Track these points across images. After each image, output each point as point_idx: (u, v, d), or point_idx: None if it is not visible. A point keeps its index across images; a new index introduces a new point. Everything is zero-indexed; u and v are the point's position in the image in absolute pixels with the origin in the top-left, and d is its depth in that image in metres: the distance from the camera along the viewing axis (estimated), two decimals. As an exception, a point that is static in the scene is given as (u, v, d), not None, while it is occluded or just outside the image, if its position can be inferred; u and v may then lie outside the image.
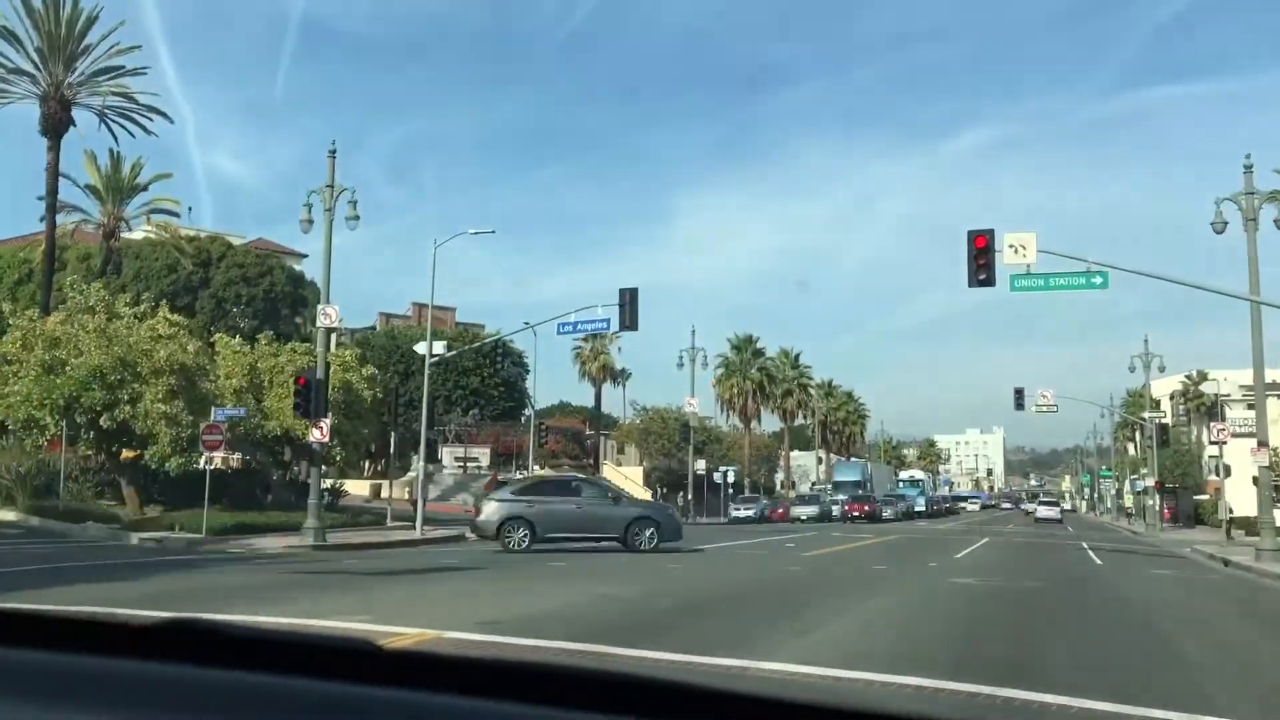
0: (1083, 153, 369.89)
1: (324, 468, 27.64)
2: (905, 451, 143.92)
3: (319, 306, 26.12)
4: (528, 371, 59.98)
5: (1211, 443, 31.69)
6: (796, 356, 79.84)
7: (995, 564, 23.60)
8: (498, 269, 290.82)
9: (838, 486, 73.92)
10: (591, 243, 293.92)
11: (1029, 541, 37.24)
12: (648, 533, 23.42)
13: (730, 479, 63.21)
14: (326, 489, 29.18)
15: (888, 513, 65.79)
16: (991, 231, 23.53)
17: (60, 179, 37.86)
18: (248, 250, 51.80)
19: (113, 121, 38.59)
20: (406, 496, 42.60)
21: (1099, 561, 26.28)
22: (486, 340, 51.28)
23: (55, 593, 12.36)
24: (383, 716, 1.22)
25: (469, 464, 54.82)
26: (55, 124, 36.49)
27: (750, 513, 56.03)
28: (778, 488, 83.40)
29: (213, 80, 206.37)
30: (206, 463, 25.17)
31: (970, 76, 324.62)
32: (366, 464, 50.70)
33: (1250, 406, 34.32)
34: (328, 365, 25.98)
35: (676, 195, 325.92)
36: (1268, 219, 26.43)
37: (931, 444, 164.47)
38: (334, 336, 29.90)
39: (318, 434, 24.84)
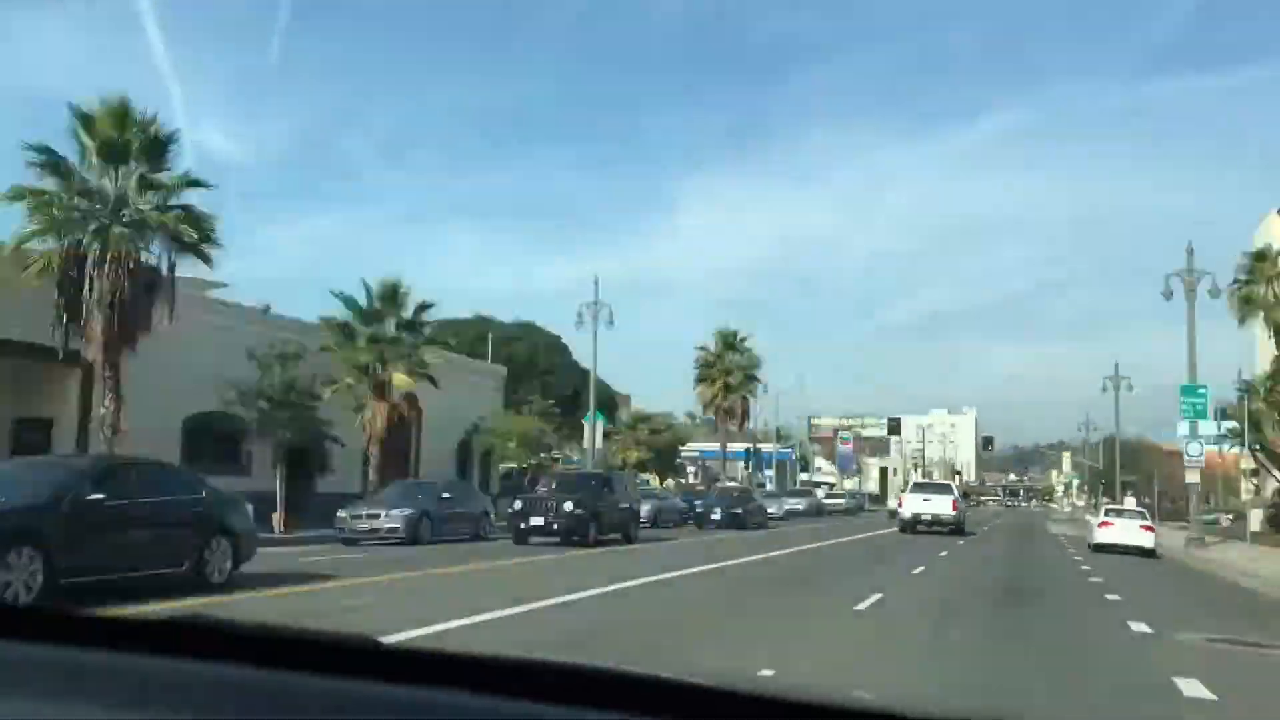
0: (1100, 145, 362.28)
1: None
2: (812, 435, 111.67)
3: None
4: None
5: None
6: (742, 339, 60.04)
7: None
8: (490, 255, 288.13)
9: None
10: (590, 228, 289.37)
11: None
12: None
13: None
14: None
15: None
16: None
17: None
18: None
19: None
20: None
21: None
22: None
23: None
24: (383, 712, 1.22)
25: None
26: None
27: None
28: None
29: (205, 47, 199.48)
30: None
31: (985, 62, 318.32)
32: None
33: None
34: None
35: (678, 181, 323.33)
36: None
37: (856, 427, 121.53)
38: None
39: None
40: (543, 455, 43.21)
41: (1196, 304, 34.44)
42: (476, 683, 1.24)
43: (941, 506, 39.81)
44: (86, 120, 22.78)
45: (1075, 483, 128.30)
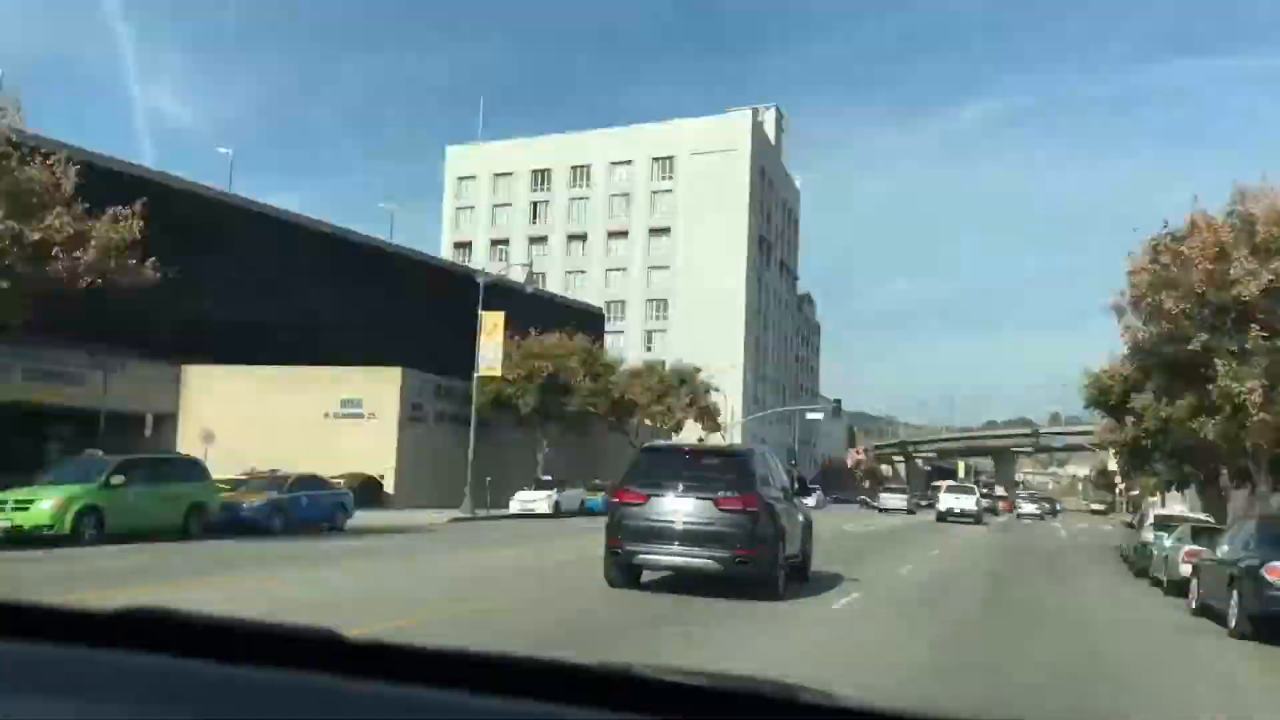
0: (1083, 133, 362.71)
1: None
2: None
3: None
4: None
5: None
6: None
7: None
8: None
9: None
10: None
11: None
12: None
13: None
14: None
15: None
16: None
17: None
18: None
19: None
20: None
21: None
22: None
23: None
24: (346, 706, 1.20)
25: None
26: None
27: None
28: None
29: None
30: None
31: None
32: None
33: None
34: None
35: None
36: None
37: None
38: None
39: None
40: None
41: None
42: (439, 678, 1.23)
43: (967, 503, 54.26)
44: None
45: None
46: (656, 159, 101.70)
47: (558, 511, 40.96)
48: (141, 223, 23.00)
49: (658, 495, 13.88)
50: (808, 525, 16.71)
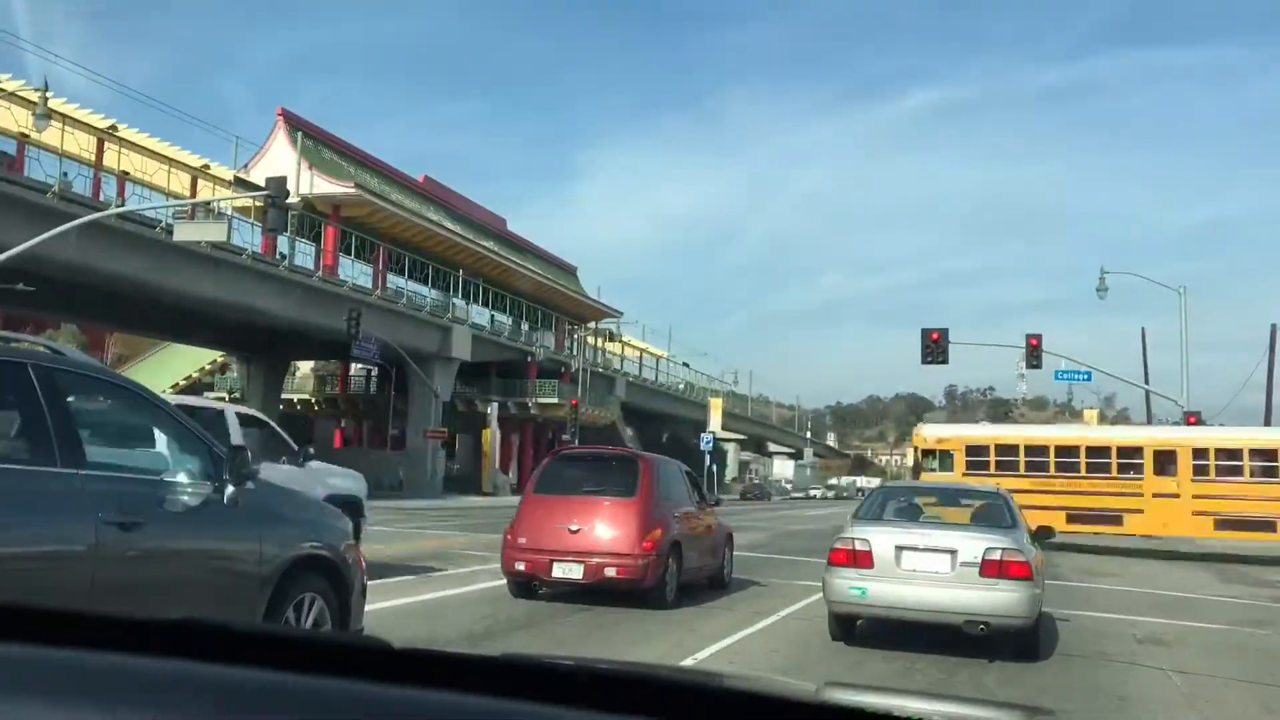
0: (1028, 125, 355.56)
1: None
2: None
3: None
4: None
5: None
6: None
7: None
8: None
9: None
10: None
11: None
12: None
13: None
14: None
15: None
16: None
17: None
18: None
19: None
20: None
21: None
22: None
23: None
24: (391, 714, 1.21)
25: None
26: None
27: None
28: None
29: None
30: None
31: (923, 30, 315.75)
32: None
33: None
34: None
35: (584, 147, 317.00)
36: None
37: None
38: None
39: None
40: None
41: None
42: (484, 685, 1.22)
43: None
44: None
45: None
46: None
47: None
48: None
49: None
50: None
